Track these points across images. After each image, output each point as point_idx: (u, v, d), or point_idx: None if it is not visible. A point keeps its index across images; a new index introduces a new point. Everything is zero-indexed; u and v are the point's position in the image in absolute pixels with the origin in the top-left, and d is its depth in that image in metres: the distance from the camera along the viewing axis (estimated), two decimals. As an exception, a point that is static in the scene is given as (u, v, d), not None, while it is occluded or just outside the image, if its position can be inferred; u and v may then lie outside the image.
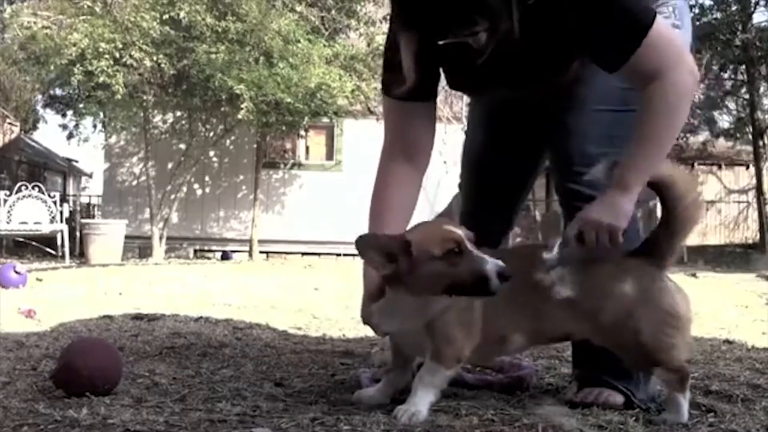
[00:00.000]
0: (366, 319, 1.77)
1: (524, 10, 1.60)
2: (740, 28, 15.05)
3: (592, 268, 1.70)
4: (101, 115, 11.88)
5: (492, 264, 1.51)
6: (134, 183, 12.82)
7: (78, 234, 11.79)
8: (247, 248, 12.15)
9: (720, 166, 19.16)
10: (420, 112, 1.88)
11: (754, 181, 16.36)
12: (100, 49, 9.66)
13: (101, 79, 9.74)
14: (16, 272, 4.89)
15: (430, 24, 1.59)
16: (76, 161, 24.06)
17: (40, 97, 20.51)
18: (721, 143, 18.68)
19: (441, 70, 1.87)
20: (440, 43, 1.59)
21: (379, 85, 1.81)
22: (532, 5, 1.61)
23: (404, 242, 1.56)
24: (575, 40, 1.68)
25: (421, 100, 1.86)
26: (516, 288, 1.68)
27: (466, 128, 2.27)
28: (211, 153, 12.57)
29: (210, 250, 12.52)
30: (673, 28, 1.71)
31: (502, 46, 1.64)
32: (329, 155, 13.11)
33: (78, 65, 9.78)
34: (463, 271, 1.52)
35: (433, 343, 1.64)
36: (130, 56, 9.80)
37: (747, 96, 16.14)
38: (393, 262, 1.57)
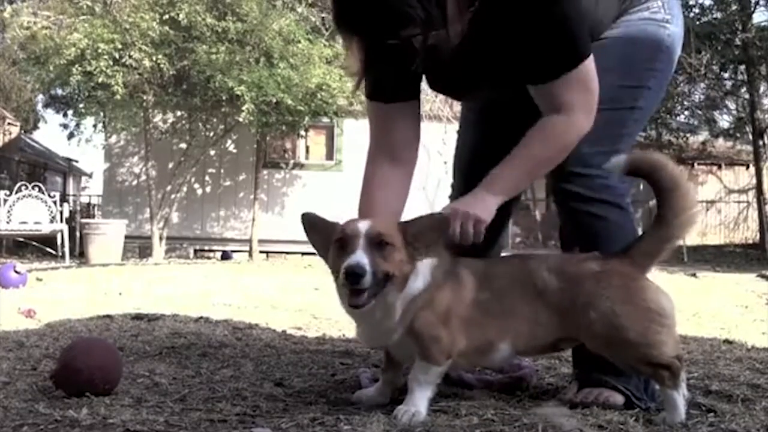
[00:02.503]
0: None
1: (472, 16, 1.62)
2: (740, 27, 15.04)
3: (576, 270, 1.71)
4: (101, 115, 11.89)
5: (350, 261, 1.53)
6: (134, 183, 12.82)
7: (78, 234, 11.80)
8: (247, 248, 12.15)
9: (720, 166, 19.17)
10: (400, 113, 1.88)
11: (754, 180, 16.34)
12: (100, 50, 9.67)
13: (100, 79, 9.74)
14: (16, 272, 4.89)
15: (365, 30, 1.61)
16: (76, 161, 24.07)
17: (40, 97, 20.53)
18: (721, 143, 18.68)
19: (419, 71, 1.87)
20: (389, 43, 1.60)
21: (350, 70, 1.85)
22: (479, 11, 1.62)
23: (332, 226, 1.67)
24: (516, 44, 1.69)
25: (399, 101, 1.86)
26: (505, 296, 1.70)
27: (458, 128, 2.27)
28: (212, 153, 12.57)
29: (210, 250, 12.52)
30: (596, 76, 1.72)
31: (458, 47, 1.66)
32: (329, 155, 13.12)
33: (77, 65, 9.78)
34: (337, 262, 1.59)
35: (418, 345, 1.65)
36: (130, 56, 9.80)
37: (747, 96, 16.12)
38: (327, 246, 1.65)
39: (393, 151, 1.89)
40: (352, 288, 1.54)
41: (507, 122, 2.05)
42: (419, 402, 1.63)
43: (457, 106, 11.99)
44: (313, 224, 1.71)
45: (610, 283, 1.67)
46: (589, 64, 1.68)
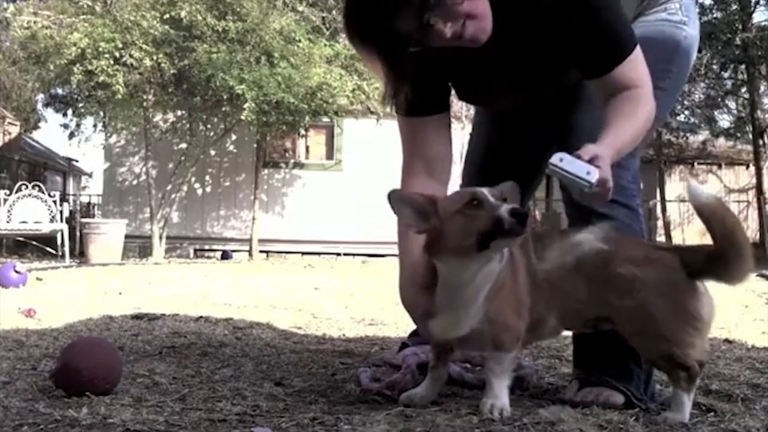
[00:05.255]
0: (410, 306, 1.78)
1: (499, 20, 1.60)
2: (740, 27, 15.04)
3: (627, 251, 1.70)
4: (101, 114, 11.90)
5: (505, 207, 1.52)
6: (134, 182, 12.83)
7: (78, 233, 11.80)
8: (247, 248, 12.16)
9: (720, 166, 19.16)
10: (432, 126, 1.86)
11: (754, 180, 16.35)
12: (100, 49, 9.67)
13: (101, 78, 9.75)
14: (16, 272, 4.89)
15: (372, 31, 1.58)
16: (76, 161, 24.06)
17: (41, 96, 20.53)
18: (722, 143, 18.68)
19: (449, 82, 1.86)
20: (411, 50, 1.57)
21: (380, 85, 1.77)
22: (503, 12, 1.60)
23: (432, 200, 1.60)
24: (556, 46, 1.68)
25: (431, 114, 1.84)
26: (553, 270, 1.69)
27: (471, 130, 2.26)
28: (212, 152, 12.58)
29: (210, 250, 12.53)
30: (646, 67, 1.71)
31: (492, 52, 1.63)
32: (329, 155, 13.12)
33: (78, 65, 9.78)
34: (481, 221, 1.53)
35: (492, 334, 1.64)
36: (130, 56, 9.80)
37: (747, 95, 16.13)
38: (426, 221, 1.60)
39: (428, 165, 1.87)
40: (519, 230, 1.51)
41: (521, 125, 2.05)
42: (500, 393, 1.63)
43: (456, 107, 12.06)
44: (405, 200, 1.63)
45: (652, 273, 1.67)
46: (638, 46, 1.67)
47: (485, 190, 1.58)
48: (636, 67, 1.67)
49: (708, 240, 1.68)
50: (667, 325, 1.64)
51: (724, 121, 18.47)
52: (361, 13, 1.59)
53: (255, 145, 12.44)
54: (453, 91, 1.95)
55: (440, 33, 1.57)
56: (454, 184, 1.94)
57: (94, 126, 12.72)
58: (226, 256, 11.42)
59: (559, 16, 1.64)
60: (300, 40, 10.49)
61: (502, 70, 1.77)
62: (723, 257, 1.64)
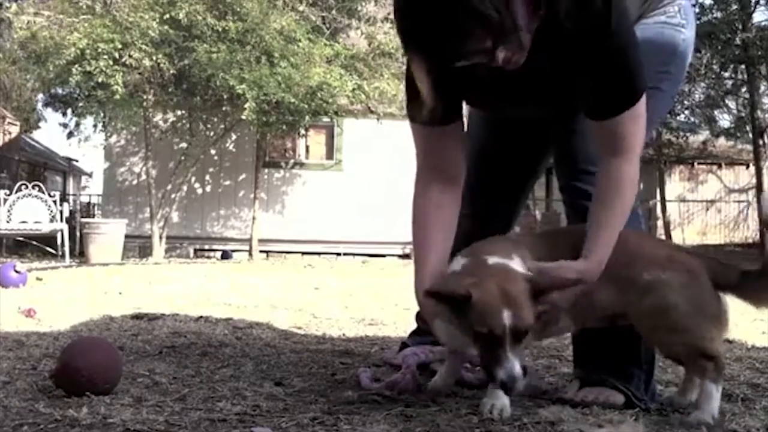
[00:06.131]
0: (429, 314, 1.78)
1: (541, 32, 1.57)
2: (740, 27, 15.03)
3: (651, 250, 1.71)
4: (101, 114, 11.90)
5: (505, 373, 1.49)
6: (134, 182, 12.82)
7: (78, 233, 11.80)
8: (247, 247, 12.15)
9: (720, 166, 19.19)
10: (448, 135, 1.85)
11: (755, 180, 16.35)
12: (99, 49, 9.66)
13: (100, 79, 9.74)
14: (16, 271, 4.89)
15: (436, 43, 1.52)
16: (76, 161, 24.08)
17: (41, 96, 20.53)
18: (722, 142, 18.69)
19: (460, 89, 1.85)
20: (457, 65, 1.53)
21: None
22: (545, 29, 1.58)
23: (466, 298, 1.54)
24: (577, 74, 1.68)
25: (449, 123, 1.83)
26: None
27: (467, 127, 2.24)
28: (212, 152, 12.58)
29: (210, 250, 12.53)
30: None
31: (522, 68, 1.60)
32: (329, 155, 13.13)
33: (77, 65, 9.78)
34: (485, 355, 1.54)
35: None
36: (130, 56, 9.79)
37: (747, 95, 16.13)
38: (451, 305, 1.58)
39: (443, 174, 1.86)
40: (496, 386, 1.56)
41: (519, 122, 2.04)
42: (502, 394, 1.63)
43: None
44: (441, 292, 1.60)
45: (675, 272, 1.67)
46: (644, 100, 1.68)
47: (510, 322, 1.50)
48: (637, 118, 1.67)
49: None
50: (690, 317, 1.64)
51: (724, 121, 18.49)
52: (429, 21, 1.50)
53: (255, 145, 12.43)
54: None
55: (495, 58, 1.53)
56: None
57: (94, 126, 12.72)
58: (226, 256, 11.42)
59: (588, 49, 1.62)
60: (300, 40, 10.49)
61: (526, 86, 1.75)
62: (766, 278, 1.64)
